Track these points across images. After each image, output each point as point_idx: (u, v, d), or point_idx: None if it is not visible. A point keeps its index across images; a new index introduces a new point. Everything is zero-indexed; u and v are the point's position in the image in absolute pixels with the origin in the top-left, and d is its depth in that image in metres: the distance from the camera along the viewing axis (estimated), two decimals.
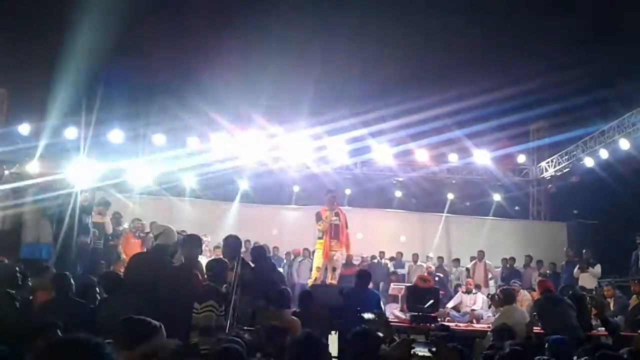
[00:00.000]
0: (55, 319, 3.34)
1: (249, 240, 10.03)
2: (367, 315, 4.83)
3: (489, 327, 6.54)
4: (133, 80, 12.59)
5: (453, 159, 14.79)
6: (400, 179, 15.59)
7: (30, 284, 4.84)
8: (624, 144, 11.68)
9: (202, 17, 12.19)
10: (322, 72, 12.12)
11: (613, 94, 11.80)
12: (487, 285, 10.74)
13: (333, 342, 4.00)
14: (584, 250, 10.92)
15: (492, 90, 11.54)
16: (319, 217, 8.58)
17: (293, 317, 5.35)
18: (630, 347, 3.98)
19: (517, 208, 16.44)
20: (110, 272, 5.87)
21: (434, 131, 13.27)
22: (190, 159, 13.65)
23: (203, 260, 5.69)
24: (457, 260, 12.41)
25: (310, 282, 8.71)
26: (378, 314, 5.06)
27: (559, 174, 14.89)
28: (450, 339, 3.94)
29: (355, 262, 11.35)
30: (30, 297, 4.87)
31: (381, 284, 11.00)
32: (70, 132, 12.94)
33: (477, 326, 8.03)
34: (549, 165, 15.16)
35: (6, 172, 8.29)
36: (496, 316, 7.02)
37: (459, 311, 9.12)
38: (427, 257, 12.48)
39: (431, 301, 7.44)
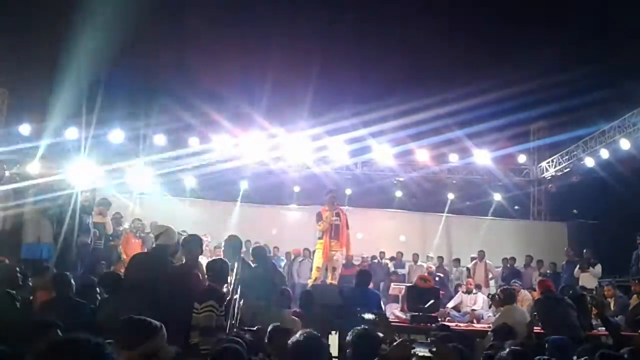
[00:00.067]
0: (56, 319, 3.34)
1: (249, 240, 10.02)
2: (368, 316, 4.84)
3: (489, 327, 6.52)
4: (134, 81, 12.62)
5: (453, 159, 14.77)
6: (401, 179, 15.57)
7: (30, 284, 4.87)
8: (625, 144, 11.67)
9: (203, 18, 12.18)
10: (322, 72, 12.12)
11: (613, 93, 11.77)
12: (487, 285, 10.73)
13: (333, 342, 3.99)
14: (584, 250, 10.94)
15: (493, 90, 11.52)
16: (319, 217, 8.59)
17: (293, 317, 5.35)
18: (631, 347, 3.97)
19: (517, 208, 16.42)
20: (111, 273, 5.89)
21: (435, 131, 13.24)
22: (190, 159, 13.66)
23: (203, 260, 5.68)
24: (458, 260, 12.38)
25: (310, 282, 8.71)
26: (378, 314, 5.07)
27: (559, 174, 14.88)
28: (450, 339, 3.93)
29: (356, 262, 11.35)
30: (31, 297, 4.89)
31: (381, 284, 10.97)
32: (71, 133, 12.89)
33: (478, 326, 8.01)
34: (549, 165, 15.14)
35: (7, 172, 8.31)
36: (496, 316, 7.01)
37: (459, 311, 9.10)
38: (428, 257, 12.44)
39: (431, 301, 7.46)
